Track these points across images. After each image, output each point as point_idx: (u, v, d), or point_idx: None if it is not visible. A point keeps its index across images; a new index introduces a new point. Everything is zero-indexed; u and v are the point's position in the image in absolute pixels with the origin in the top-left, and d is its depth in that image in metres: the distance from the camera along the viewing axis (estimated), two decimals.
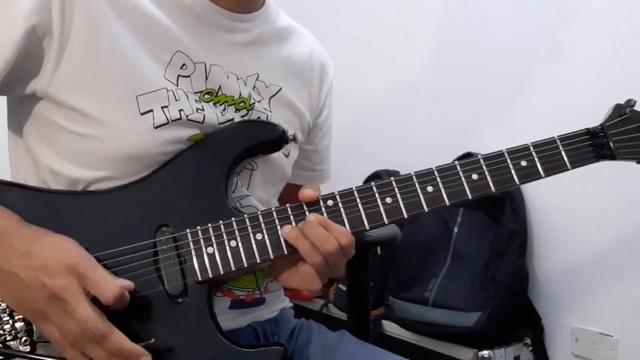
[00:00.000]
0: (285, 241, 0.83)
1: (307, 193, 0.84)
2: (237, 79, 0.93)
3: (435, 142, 2.06)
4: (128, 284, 0.78)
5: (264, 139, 0.90)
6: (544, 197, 1.81)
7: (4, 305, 0.80)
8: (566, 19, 1.76)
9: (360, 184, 2.24)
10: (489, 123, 1.95)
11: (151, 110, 0.84)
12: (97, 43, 0.82)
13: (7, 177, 0.89)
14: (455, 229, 1.86)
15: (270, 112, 0.96)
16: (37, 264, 0.75)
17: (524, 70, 1.86)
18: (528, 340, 1.81)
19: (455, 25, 2.05)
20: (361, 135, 2.25)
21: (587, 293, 1.75)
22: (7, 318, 0.80)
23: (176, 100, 0.86)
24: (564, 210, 1.76)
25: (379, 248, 1.92)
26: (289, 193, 1.01)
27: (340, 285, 2.05)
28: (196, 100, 0.88)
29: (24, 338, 0.80)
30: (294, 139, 0.97)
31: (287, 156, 0.99)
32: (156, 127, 0.84)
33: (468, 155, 1.89)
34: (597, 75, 1.69)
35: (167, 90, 0.86)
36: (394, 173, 2.14)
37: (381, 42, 2.27)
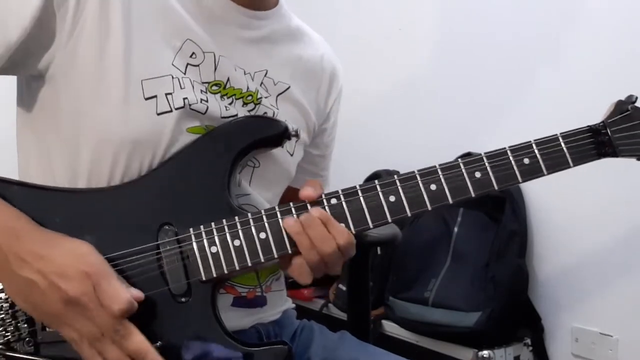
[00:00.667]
0: (289, 240, 0.82)
1: (307, 192, 0.83)
2: (245, 73, 0.93)
3: (435, 142, 2.06)
4: (138, 294, 0.77)
5: (266, 134, 0.89)
6: (544, 197, 1.81)
7: (6, 306, 0.80)
8: (566, 19, 1.76)
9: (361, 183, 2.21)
10: (489, 123, 1.95)
11: (155, 96, 0.84)
12: (108, 21, 0.82)
13: (13, 169, 0.90)
14: (455, 229, 1.86)
15: (277, 109, 0.96)
16: (53, 269, 0.74)
17: (524, 70, 1.86)
18: (528, 340, 1.80)
19: (455, 25, 2.05)
20: (361, 135, 2.25)
21: (587, 293, 1.75)
22: (11, 320, 0.80)
23: (181, 88, 0.86)
24: (564, 210, 1.76)
25: (379, 248, 1.92)
26: (293, 197, 1.00)
27: (340, 285, 2.05)
28: (202, 91, 0.88)
29: (28, 339, 0.80)
30: (297, 135, 0.96)
31: (291, 155, 0.99)
32: (159, 114, 0.84)
33: (468, 155, 1.89)
34: (597, 75, 1.69)
35: (173, 78, 0.86)
36: (394, 173, 2.13)
37: (381, 42, 2.27)
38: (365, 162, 2.17)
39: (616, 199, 1.65)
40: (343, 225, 0.82)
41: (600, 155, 0.86)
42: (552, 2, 1.79)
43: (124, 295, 0.75)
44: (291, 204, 0.84)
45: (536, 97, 1.83)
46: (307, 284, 0.84)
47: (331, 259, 0.81)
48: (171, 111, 0.85)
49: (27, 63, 0.83)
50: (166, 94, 0.85)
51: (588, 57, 1.71)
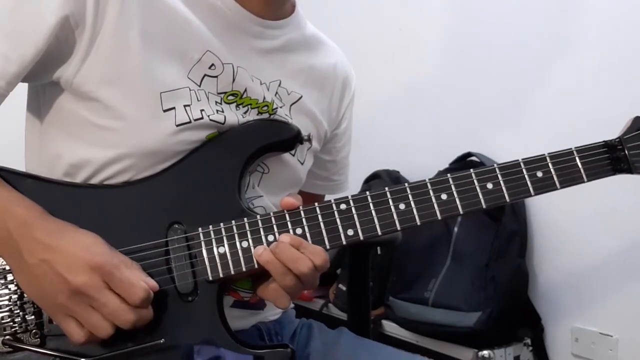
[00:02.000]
0: None
1: (288, 201, 0.83)
2: (261, 84, 0.93)
3: (435, 142, 2.06)
4: (154, 284, 0.77)
5: (278, 138, 0.90)
6: (544, 196, 1.80)
7: (14, 297, 0.80)
8: (567, 20, 1.76)
9: (361, 184, 2.23)
10: (489, 123, 1.95)
11: (173, 108, 0.85)
12: (126, 37, 0.82)
13: (20, 164, 0.90)
14: (455, 229, 1.86)
15: (291, 118, 0.97)
16: (60, 260, 0.75)
17: (524, 70, 1.86)
18: (528, 340, 1.81)
19: (456, 25, 2.05)
20: (361, 135, 2.24)
21: (587, 293, 1.75)
22: (19, 311, 0.80)
23: (198, 100, 0.87)
24: (564, 210, 1.76)
25: (379, 248, 1.92)
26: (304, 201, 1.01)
27: (340, 285, 2.05)
28: (217, 102, 0.89)
29: (34, 331, 0.80)
30: (309, 140, 0.96)
31: (302, 164, 0.99)
32: (178, 126, 0.85)
33: (468, 155, 1.90)
34: (596, 75, 1.68)
35: (190, 90, 0.86)
36: (394, 173, 2.15)
37: (381, 43, 2.27)
38: (365, 162, 2.16)
39: (616, 198, 1.65)
40: (317, 246, 0.81)
41: (616, 171, 0.85)
42: (553, 2, 1.80)
43: (140, 283, 0.76)
44: (300, 208, 0.84)
45: (536, 97, 1.83)
46: (286, 308, 0.84)
47: (308, 278, 0.81)
48: (190, 122, 0.85)
49: (42, 75, 0.84)
50: (184, 106, 0.85)
51: (588, 57, 1.71)
